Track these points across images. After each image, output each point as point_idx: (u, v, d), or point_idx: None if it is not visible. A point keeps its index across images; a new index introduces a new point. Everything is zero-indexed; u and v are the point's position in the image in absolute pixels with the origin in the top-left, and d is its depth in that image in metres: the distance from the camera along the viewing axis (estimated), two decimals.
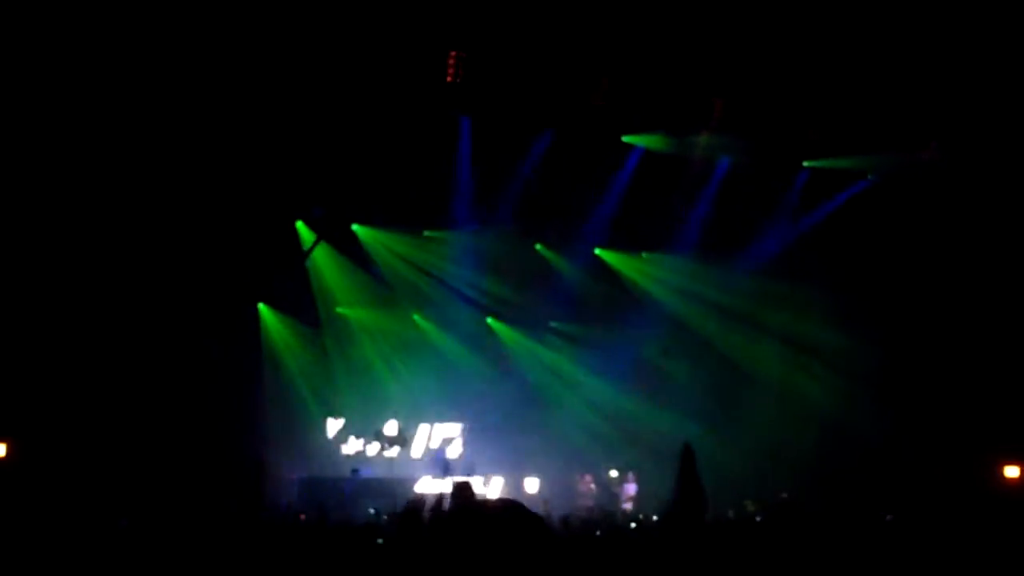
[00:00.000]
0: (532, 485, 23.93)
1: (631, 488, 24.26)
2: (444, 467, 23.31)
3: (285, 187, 22.54)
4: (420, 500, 10.80)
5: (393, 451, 24.17)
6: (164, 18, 19.03)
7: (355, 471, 22.80)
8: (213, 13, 19.26)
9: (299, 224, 24.56)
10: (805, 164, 25.02)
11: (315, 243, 24.30)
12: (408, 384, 25.09)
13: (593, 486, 24.26)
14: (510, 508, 2.15)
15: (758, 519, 15.41)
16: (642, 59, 21.01)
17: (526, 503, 2.20)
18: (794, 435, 24.32)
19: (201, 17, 19.23)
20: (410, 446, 24.61)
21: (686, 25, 20.23)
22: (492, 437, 24.54)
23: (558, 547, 2.02)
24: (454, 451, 25.08)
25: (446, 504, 8.68)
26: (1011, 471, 22.51)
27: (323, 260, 25.15)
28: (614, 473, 24.93)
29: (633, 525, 17.41)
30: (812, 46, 20.45)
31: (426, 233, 25.63)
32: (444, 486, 15.98)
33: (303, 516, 17.83)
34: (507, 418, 24.58)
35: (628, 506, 23.66)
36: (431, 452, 24.84)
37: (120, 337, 20.68)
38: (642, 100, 22.75)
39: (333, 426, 24.56)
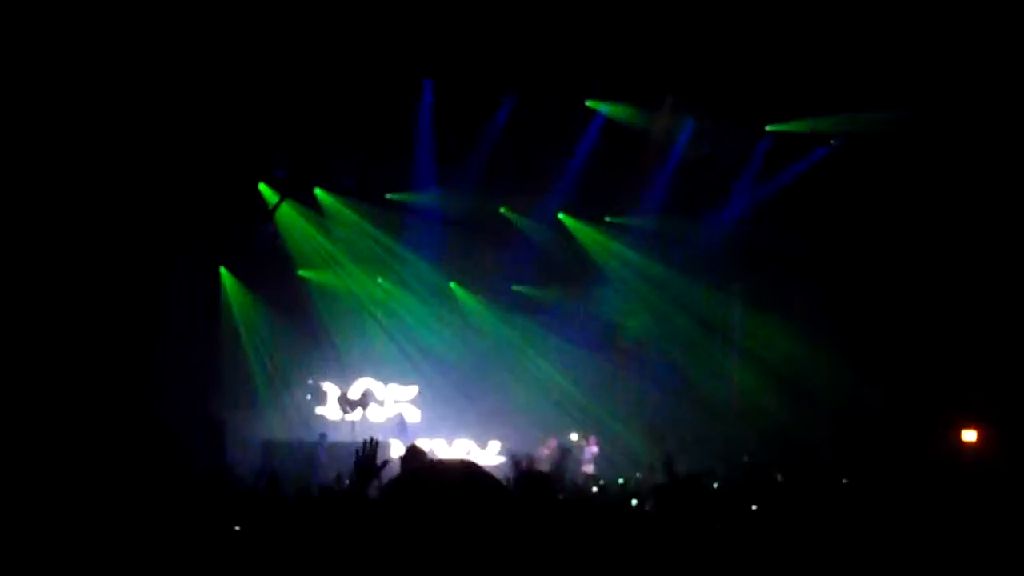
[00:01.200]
0: (494, 449, 23.97)
1: (592, 450, 24.36)
2: (403, 431, 23.38)
3: (246, 149, 22.36)
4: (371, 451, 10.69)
5: (355, 415, 24.15)
6: None
7: (322, 435, 22.72)
8: None
9: (261, 185, 24.39)
10: (768, 128, 24.99)
11: (280, 200, 24.11)
12: (370, 347, 25.10)
13: (555, 450, 24.30)
14: (465, 468, 2.09)
15: (715, 485, 15.47)
16: (603, 27, 20.85)
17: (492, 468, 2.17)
18: (757, 400, 24.47)
19: None
20: (371, 409, 24.64)
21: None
22: (452, 400, 24.61)
23: (516, 508, 1.95)
24: (413, 415, 25.15)
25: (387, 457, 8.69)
26: (968, 435, 22.71)
27: (285, 223, 25.03)
28: (575, 436, 25.04)
29: (595, 490, 17.47)
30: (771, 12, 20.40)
31: (388, 196, 25.51)
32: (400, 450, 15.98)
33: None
34: (467, 381, 24.64)
35: (589, 468, 23.76)
36: (393, 416, 24.92)
37: (77, 299, 20.45)
38: (602, 68, 22.67)
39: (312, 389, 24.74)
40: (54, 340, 19.70)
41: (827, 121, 24.18)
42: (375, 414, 24.78)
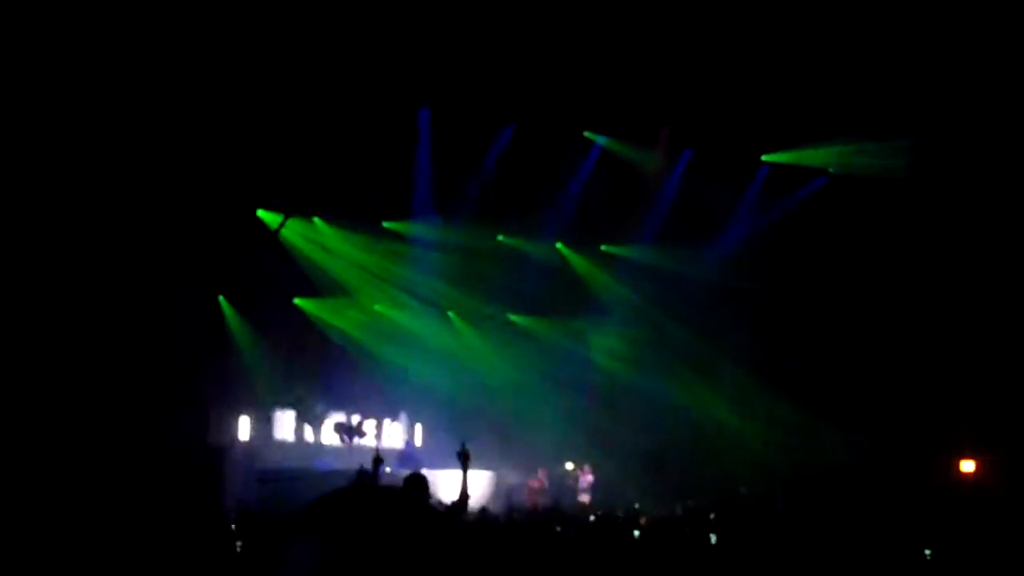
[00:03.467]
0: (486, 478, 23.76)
1: (588, 479, 24.29)
2: (409, 459, 23.27)
3: (245, 179, 22.37)
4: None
5: (352, 442, 24.07)
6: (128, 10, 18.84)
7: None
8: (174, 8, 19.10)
9: (261, 212, 24.32)
10: (764, 159, 25.04)
11: (284, 220, 23.96)
12: (366, 376, 25.00)
13: (546, 482, 24.16)
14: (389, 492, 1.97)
15: (712, 516, 15.48)
16: (599, 61, 20.94)
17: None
18: (753, 437, 24.41)
19: (162, 10, 19.05)
20: (366, 437, 24.53)
21: (642, 28, 20.25)
22: (446, 431, 24.50)
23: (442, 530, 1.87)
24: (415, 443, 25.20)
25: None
26: (967, 466, 22.71)
27: (284, 251, 24.92)
28: (569, 465, 24.98)
29: (592, 518, 17.46)
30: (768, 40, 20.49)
31: (386, 224, 25.50)
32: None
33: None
34: (461, 413, 24.49)
35: (585, 498, 23.68)
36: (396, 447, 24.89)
37: (80, 328, 20.41)
38: (600, 102, 22.77)
39: (283, 419, 24.65)
40: (56, 371, 19.67)
41: (825, 152, 24.21)
42: (369, 443, 24.70)
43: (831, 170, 24.92)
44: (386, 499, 1.84)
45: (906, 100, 21.03)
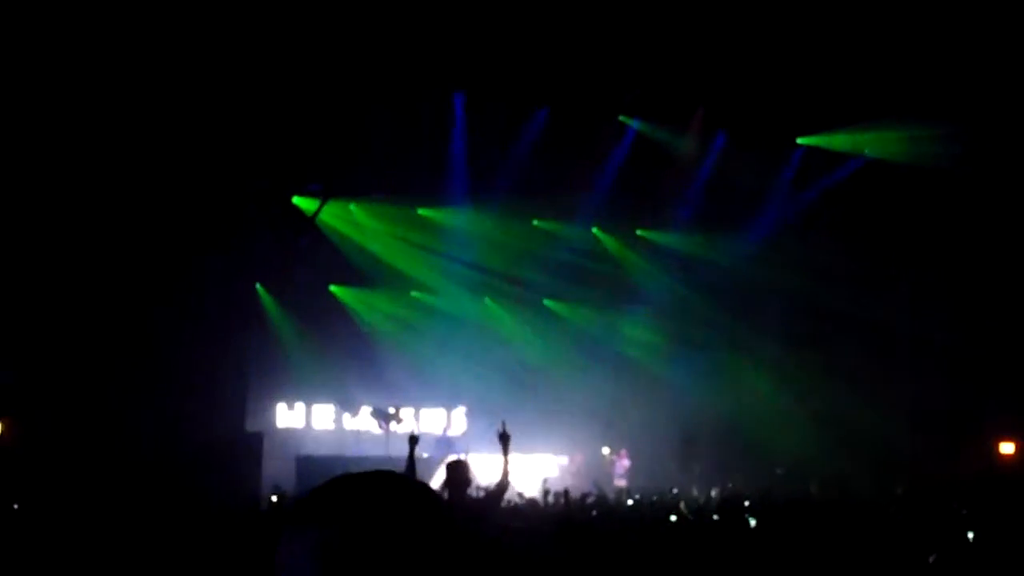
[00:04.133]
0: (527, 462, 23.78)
1: (624, 464, 24.25)
2: (446, 444, 23.31)
3: (279, 166, 22.44)
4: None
5: (391, 428, 24.11)
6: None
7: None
8: None
9: (296, 199, 24.37)
10: (799, 141, 24.85)
11: (321, 205, 23.96)
12: (405, 362, 25.03)
13: (582, 465, 24.16)
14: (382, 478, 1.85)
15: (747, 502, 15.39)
16: (635, 45, 20.81)
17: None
18: (789, 416, 24.29)
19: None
20: (405, 423, 24.57)
21: (675, 9, 20.11)
22: (485, 416, 24.52)
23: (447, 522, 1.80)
24: (456, 429, 25.18)
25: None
26: (1006, 447, 22.57)
27: (320, 238, 24.97)
28: (606, 450, 24.95)
29: (630, 502, 17.46)
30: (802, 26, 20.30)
31: (420, 211, 25.51)
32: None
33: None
34: (502, 398, 24.47)
35: (622, 482, 23.65)
36: (435, 432, 24.88)
37: (119, 319, 20.57)
38: (633, 86, 22.67)
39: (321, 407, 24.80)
40: (92, 360, 19.85)
41: (861, 136, 24.00)
42: (407, 429, 24.73)
43: (867, 152, 24.72)
44: (393, 486, 1.77)
45: (948, 85, 20.77)
